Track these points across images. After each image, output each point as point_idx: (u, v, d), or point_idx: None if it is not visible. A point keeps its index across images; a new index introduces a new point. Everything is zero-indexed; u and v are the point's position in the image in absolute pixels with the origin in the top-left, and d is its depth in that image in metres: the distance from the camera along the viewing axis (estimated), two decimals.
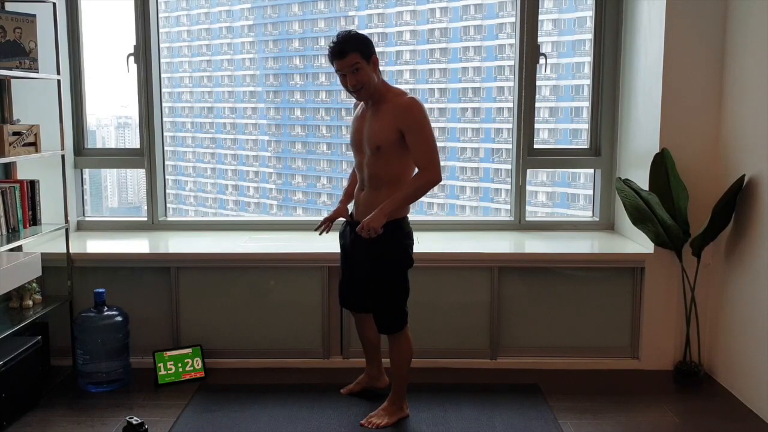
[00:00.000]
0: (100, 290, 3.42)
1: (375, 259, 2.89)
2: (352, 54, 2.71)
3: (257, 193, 4.68)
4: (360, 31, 2.81)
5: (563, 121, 4.28)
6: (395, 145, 2.77)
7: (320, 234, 3.12)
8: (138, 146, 4.08)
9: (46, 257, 3.38)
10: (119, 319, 3.43)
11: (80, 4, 3.96)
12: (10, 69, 3.19)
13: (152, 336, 3.63)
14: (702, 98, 3.47)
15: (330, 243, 3.42)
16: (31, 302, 3.39)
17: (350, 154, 3.02)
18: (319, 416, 3.09)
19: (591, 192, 4.18)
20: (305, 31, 4.40)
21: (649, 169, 3.46)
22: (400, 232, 2.90)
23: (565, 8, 4.15)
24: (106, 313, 3.41)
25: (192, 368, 3.51)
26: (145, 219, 4.11)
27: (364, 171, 2.91)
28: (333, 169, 4.47)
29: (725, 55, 3.42)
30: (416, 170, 2.85)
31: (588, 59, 4.03)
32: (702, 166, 3.49)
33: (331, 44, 2.75)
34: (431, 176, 2.77)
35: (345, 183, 3.22)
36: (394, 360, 3.00)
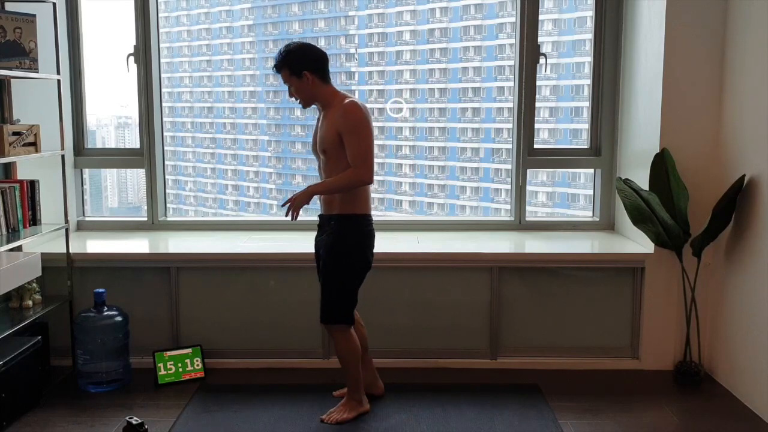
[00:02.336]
0: (100, 290, 3.42)
1: (329, 249, 2.96)
2: (283, 70, 2.91)
3: (257, 193, 4.68)
4: (306, 44, 2.95)
5: (563, 121, 4.27)
6: (338, 148, 2.86)
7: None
8: (138, 146, 4.08)
9: (46, 257, 3.38)
10: (119, 319, 3.43)
11: (80, 4, 3.96)
12: (10, 69, 3.19)
13: (152, 336, 3.63)
14: (702, 98, 3.47)
15: None
16: (31, 302, 3.39)
17: None
18: (319, 416, 3.08)
19: (591, 192, 4.18)
20: (305, 31, 4.39)
21: (649, 169, 3.46)
22: (357, 229, 2.95)
23: (565, 8, 4.15)
24: (106, 313, 3.41)
25: (192, 368, 3.51)
26: (145, 219, 4.11)
27: (321, 175, 3.01)
28: None
29: (725, 56, 3.42)
30: None
31: (588, 59, 4.03)
32: (702, 166, 3.49)
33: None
34: (360, 174, 2.84)
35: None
36: (337, 354, 3.05)
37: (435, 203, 4.47)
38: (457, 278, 3.65)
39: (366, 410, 3.09)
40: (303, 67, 2.87)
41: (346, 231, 2.94)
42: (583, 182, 4.35)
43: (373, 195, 3.05)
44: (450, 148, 4.35)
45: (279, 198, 4.61)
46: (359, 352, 3.04)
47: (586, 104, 4.09)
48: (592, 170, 4.13)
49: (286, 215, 2.89)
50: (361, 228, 2.96)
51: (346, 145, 2.83)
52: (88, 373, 3.38)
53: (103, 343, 3.37)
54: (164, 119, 4.15)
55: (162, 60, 4.10)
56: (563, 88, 4.24)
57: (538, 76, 3.96)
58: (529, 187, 4.07)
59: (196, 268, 3.64)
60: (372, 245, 3.00)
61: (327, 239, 2.98)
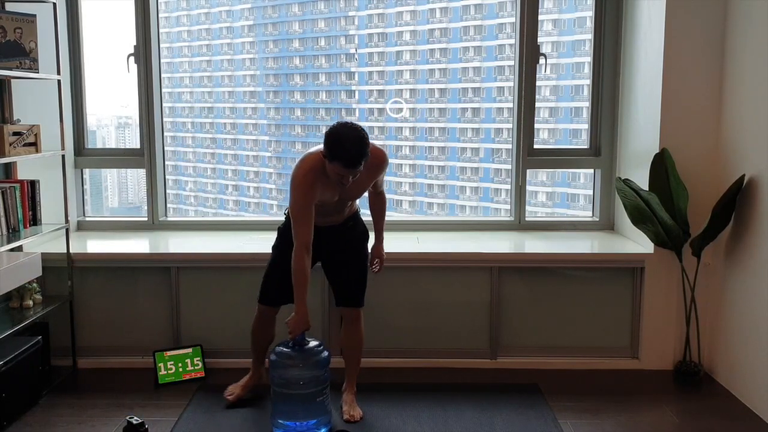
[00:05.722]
0: (300, 338, 2.95)
1: (357, 243, 3.18)
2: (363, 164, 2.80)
3: (257, 193, 4.68)
4: (340, 129, 2.77)
5: (563, 121, 4.28)
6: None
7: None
8: (138, 146, 4.08)
9: (46, 257, 3.38)
10: (324, 354, 2.97)
11: (80, 4, 3.96)
12: (10, 69, 3.20)
13: (152, 336, 3.63)
14: (702, 98, 3.48)
15: None
16: (31, 302, 3.40)
17: None
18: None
19: (591, 192, 4.19)
20: (305, 31, 4.39)
21: (649, 169, 3.46)
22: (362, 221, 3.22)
23: (565, 8, 4.15)
24: (308, 346, 2.96)
25: (192, 368, 3.51)
26: (146, 219, 4.12)
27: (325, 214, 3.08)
28: None
29: (725, 55, 3.42)
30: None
31: (588, 59, 4.03)
32: (702, 166, 3.49)
33: (351, 154, 2.71)
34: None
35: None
36: (357, 338, 3.23)
37: (435, 203, 4.47)
38: (457, 278, 3.65)
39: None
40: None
41: (361, 225, 3.19)
42: (582, 182, 4.35)
43: None
44: (450, 148, 4.35)
45: (279, 198, 4.61)
46: None
47: (586, 104, 4.09)
48: (591, 170, 4.13)
49: (378, 271, 3.27)
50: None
51: (379, 180, 3.12)
52: (284, 412, 2.93)
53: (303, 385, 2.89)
54: (164, 119, 4.15)
55: (162, 60, 4.10)
56: (563, 88, 4.24)
57: (537, 76, 3.96)
58: (528, 187, 4.07)
59: (196, 268, 3.64)
60: None
61: (353, 234, 3.14)
